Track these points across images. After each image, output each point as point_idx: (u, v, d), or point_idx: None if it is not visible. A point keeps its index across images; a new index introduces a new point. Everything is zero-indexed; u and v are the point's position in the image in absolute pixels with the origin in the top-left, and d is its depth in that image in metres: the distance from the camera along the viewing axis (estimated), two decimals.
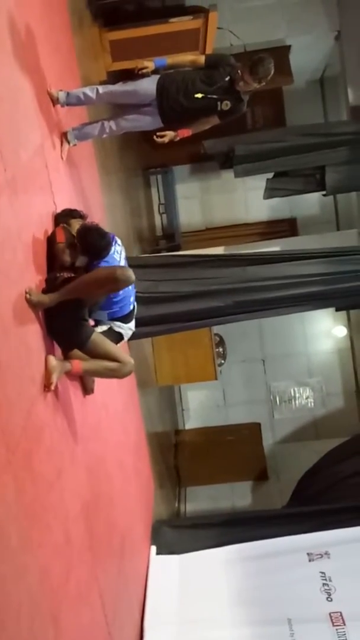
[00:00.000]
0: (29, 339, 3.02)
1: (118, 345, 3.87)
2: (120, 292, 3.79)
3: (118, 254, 3.75)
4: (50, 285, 3.34)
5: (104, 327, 3.86)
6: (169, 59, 4.45)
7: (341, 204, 10.03)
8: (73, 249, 3.53)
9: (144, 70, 4.36)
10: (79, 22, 5.81)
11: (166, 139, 4.55)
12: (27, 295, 3.05)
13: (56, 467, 3.12)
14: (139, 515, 5.31)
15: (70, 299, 3.29)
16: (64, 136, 4.43)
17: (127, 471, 5.11)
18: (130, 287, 3.90)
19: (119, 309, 3.89)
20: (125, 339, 4.00)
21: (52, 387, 3.13)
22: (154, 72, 4.40)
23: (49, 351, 3.29)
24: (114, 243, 3.70)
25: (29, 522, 2.64)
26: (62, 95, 4.33)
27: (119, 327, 3.92)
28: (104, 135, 4.69)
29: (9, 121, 3.28)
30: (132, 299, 3.97)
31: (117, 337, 3.89)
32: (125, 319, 3.94)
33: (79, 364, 3.43)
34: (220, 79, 4.33)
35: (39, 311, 3.19)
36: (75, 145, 4.54)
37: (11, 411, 2.64)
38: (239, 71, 4.29)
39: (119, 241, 3.83)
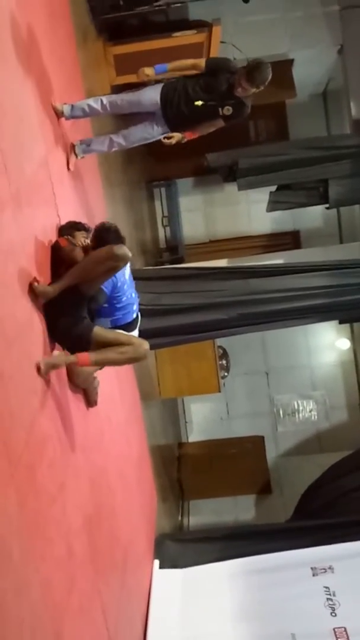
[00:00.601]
0: (31, 351, 3.02)
1: None
2: (123, 298, 3.82)
3: None
4: None
5: None
6: (170, 65, 4.49)
7: (344, 217, 10.03)
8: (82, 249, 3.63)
9: (147, 79, 4.42)
10: (84, 37, 5.85)
11: (174, 141, 4.60)
12: (35, 285, 3.14)
13: (59, 481, 3.11)
14: (142, 528, 5.28)
15: (70, 295, 3.33)
16: (71, 148, 4.46)
17: (130, 484, 5.09)
18: (133, 294, 3.94)
19: (122, 316, 3.88)
20: None
21: (41, 370, 3.06)
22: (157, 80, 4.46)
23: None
24: None
25: (31, 536, 2.63)
26: (66, 109, 4.35)
27: None
28: (113, 150, 4.74)
29: (14, 135, 3.29)
30: (135, 306, 3.98)
31: None
32: (128, 328, 3.92)
33: (86, 355, 3.32)
34: (220, 86, 4.39)
35: (41, 303, 3.23)
36: (82, 157, 4.58)
37: (14, 424, 2.63)
38: (237, 78, 4.34)
39: None
